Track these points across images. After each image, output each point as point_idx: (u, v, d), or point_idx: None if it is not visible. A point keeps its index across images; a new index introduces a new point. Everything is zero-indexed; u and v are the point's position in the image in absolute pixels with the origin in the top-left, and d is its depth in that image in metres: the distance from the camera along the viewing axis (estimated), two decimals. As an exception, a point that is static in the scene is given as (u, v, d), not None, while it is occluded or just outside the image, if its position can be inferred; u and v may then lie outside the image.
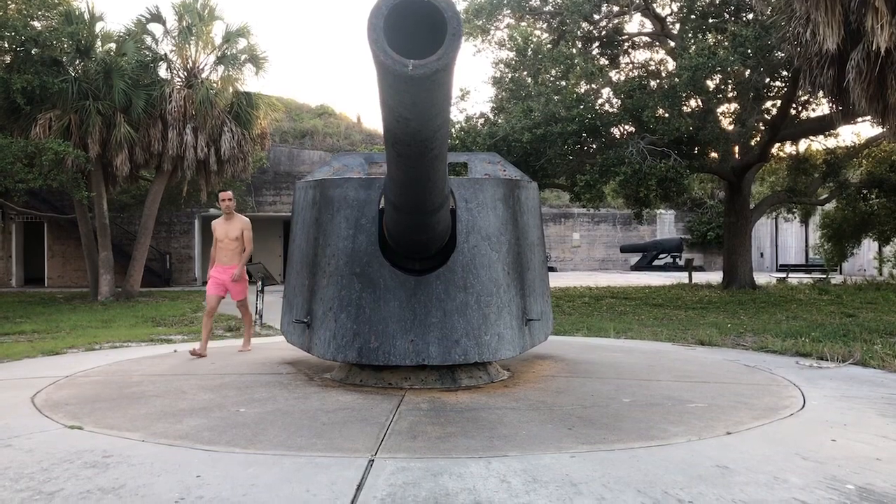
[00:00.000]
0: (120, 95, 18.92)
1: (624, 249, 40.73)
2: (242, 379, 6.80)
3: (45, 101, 18.78)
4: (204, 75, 21.40)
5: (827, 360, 8.26)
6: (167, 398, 5.94)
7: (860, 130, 42.47)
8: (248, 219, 8.70)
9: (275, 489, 3.76)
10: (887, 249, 25.63)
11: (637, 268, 38.86)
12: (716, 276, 24.24)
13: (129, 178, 21.66)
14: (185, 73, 21.39)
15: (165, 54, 21.23)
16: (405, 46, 2.79)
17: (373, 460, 4.23)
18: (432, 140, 3.45)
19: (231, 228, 8.47)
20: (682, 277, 26.43)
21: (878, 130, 19.71)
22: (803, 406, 5.78)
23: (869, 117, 13.21)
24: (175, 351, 9.26)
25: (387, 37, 2.77)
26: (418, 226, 5.31)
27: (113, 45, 20.37)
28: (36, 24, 18.98)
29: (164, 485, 3.80)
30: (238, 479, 3.90)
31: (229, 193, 8.68)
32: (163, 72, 21.21)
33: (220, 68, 21.41)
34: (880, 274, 26.49)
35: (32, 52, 18.57)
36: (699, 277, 25.64)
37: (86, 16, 19.71)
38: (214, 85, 21.13)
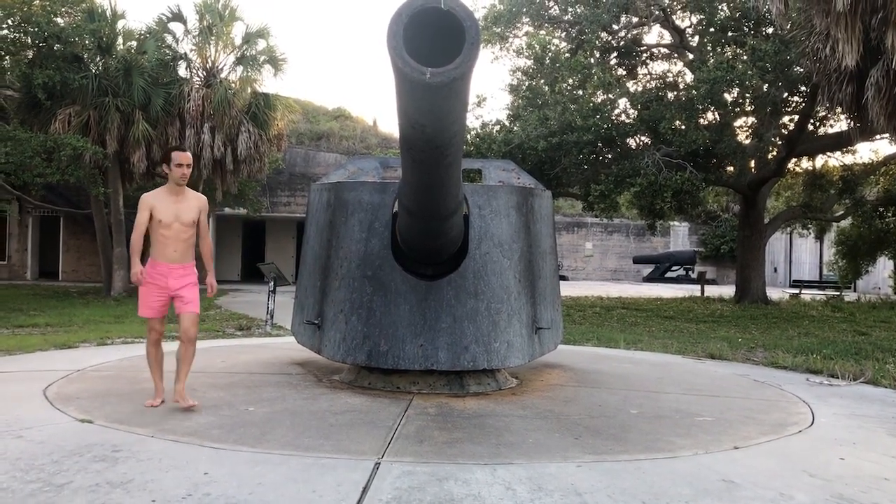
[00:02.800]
0: (139, 93, 19.05)
1: (637, 260, 40.63)
2: (252, 378, 6.84)
3: (66, 96, 18.93)
4: (223, 75, 21.52)
5: (838, 377, 8.21)
6: (177, 395, 5.97)
7: (878, 147, 42.15)
8: (205, 197, 5.88)
9: (281, 488, 3.78)
10: (902, 268, 25.48)
11: (649, 279, 38.74)
12: (728, 290, 24.13)
13: (146, 176, 21.75)
14: (205, 73, 21.52)
15: (185, 53, 21.37)
16: (424, 54, 2.82)
17: (379, 463, 4.25)
18: (447, 147, 3.47)
19: (184, 208, 5.52)
20: (694, 290, 26.32)
21: (896, 148, 19.61)
22: (812, 423, 5.75)
23: (887, 135, 13.13)
24: (186, 348, 9.31)
25: (406, 44, 2.80)
26: (431, 231, 5.34)
27: (134, 43, 20.51)
28: (59, 20, 19.15)
29: (172, 480, 3.84)
30: (245, 478, 3.93)
31: (188, 155, 5.67)
32: (182, 71, 21.35)
33: (239, 69, 21.53)
34: (895, 292, 26.28)
35: (55, 47, 18.73)
36: (711, 291, 25.54)
37: (108, 13, 19.88)
38: (233, 85, 21.23)
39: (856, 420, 5.95)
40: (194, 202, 5.64)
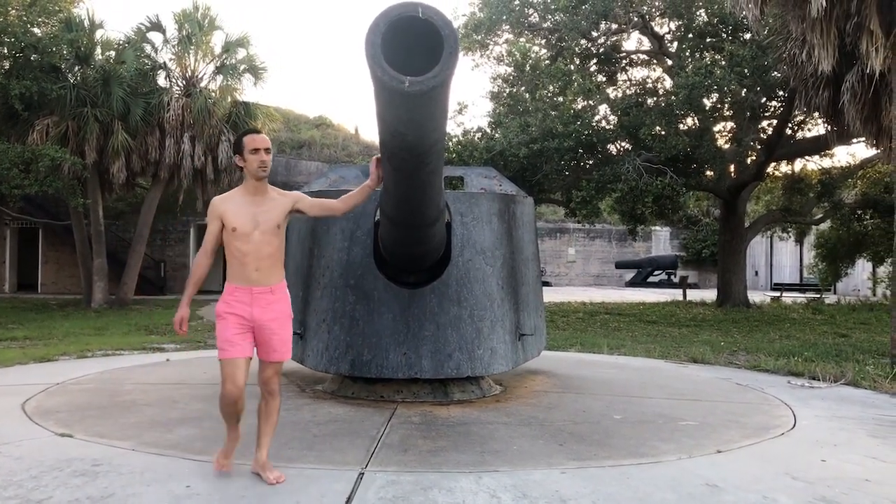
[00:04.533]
0: (118, 103, 18.94)
1: (619, 265, 40.83)
2: (234, 389, 6.78)
3: (43, 107, 18.78)
4: (203, 84, 21.44)
5: (819, 379, 8.27)
6: (159, 407, 5.93)
7: (855, 151, 42.63)
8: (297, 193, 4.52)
9: (264, 500, 3.75)
10: (881, 270, 25.73)
11: (632, 284, 38.94)
12: (710, 294, 24.28)
13: (126, 186, 21.63)
14: (184, 82, 21.43)
15: (164, 63, 21.28)
16: (402, 63, 2.82)
17: (363, 473, 4.23)
18: (428, 155, 3.48)
19: (266, 211, 4.09)
20: (676, 294, 26.46)
21: (872, 152, 19.82)
22: (794, 426, 5.79)
23: (863, 139, 13.28)
24: (168, 360, 9.25)
25: (384, 53, 2.80)
26: (413, 239, 5.33)
27: (112, 53, 20.41)
28: (36, 30, 19.02)
29: (154, 494, 3.80)
30: (228, 490, 3.90)
31: (265, 138, 4.15)
32: (161, 80, 21.26)
33: (219, 78, 21.46)
34: (874, 294, 26.55)
35: (32, 58, 18.58)
36: (693, 295, 25.68)
37: (86, 23, 19.76)
38: (213, 94, 21.16)
39: (837, 422, 6.00)
40: (280, 200, 4.16)
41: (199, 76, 21.56)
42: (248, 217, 4.03)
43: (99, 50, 20.30)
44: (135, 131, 19.56)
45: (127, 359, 9.53)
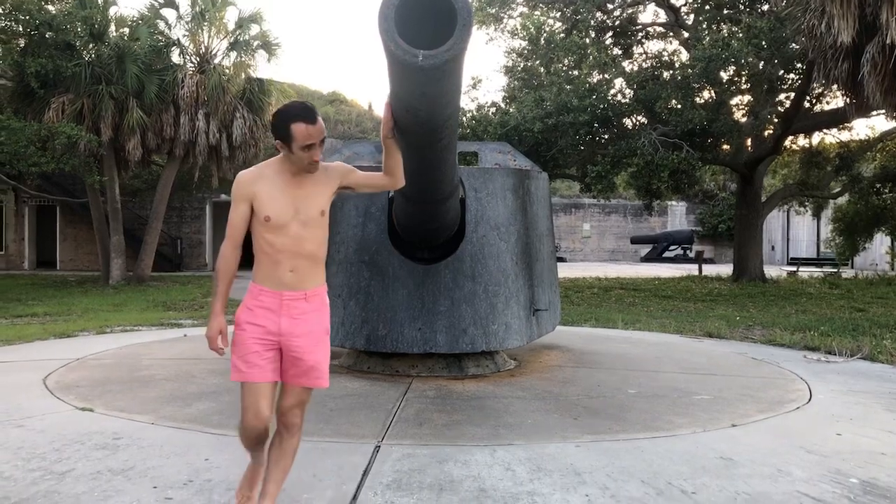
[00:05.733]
0: (132, 80, 18.96)
1: (634, 241, 40.67)
2: (251, 364, 6.85)
3: (59, 84, 18.85)
4: (216, 61, 21.42)
5: (835, 354, 8.24)
6: (177, 382, 6.00)
7: (874, 124, 42.17)
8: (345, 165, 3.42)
9: (282, 473, 3.79)
10: (900, 244, 25.52)
11: (647, 259, 38.80)
12: (726, 269, 24.17)
13: (141, 163, 21.74)
14: (198, 59, 21.41)
15: (178, 39, 21.27)
16: (416, 36, 2.81)
17: (379, 446, 4.27)
18: (441, 130, 3.47)
19: (309, 195, 3.12)
20: (692, 269, 26.36)
21: (892, 124, 19.58)
22: (809, 400, 5.78)
23: (883, 111, 13.10)
24: (185, 335, 9.33)
25: (397, 27, 2.78)
26: (427, 215, 5.33)
27: (126, 30, 20.41)
28: (50, 7, 19.04)
29: (173, 467, 3.86)
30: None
31: (320, 125, 3.04)
32: (175, 57, 21.25)
33: (233, 54, 21.43)
34: (892, 269, 26.36)
35: (46, 35, 18.62)
36: (709, 270, 25.58)
37: (99, 0, 19.75)
38: (227, 71, 21.14)
39: (853, 396, 5.98)
40: (326, 178, 3.19)
41: (213, 53, 21.54)
42: (286, 203, 3.07)
43: (113, 27, 20.30)
44: (149, 108, 19.61)
45: (145, 334, 9.64)
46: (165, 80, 19.83)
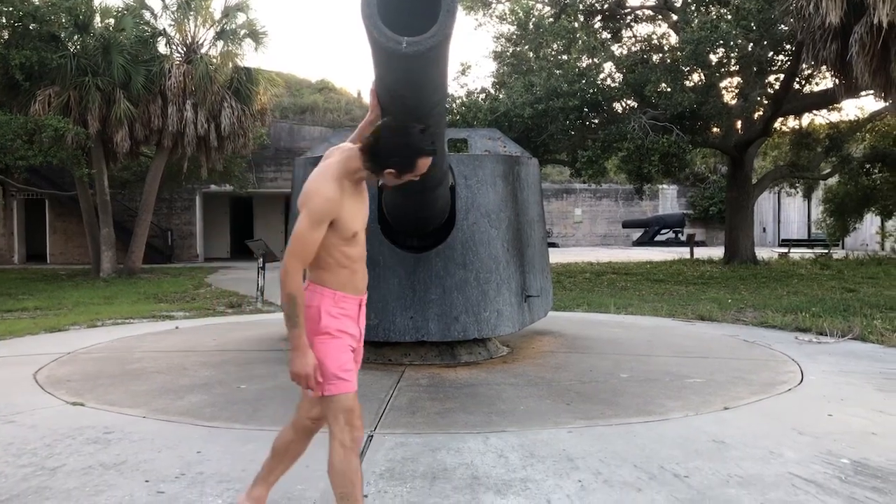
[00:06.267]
0: (119, 71, 18.79)
1: (626, 225, 40.73)
2: (243, 355, 6.84)
3: (44, 77, 18.66)
4: (203, 51, 21.22)
5: (826, 335, 8.28)
6: (169, 374, 5.99)
7: (863, 104, 42.23)
8: None
9: (274, 465, 3.78)
10: (889, 224, 25.60)
11: (639, 243, 38.87)
12: (717, 252, 24.22)
13: (130, 155, 21.57)
14: (185, 49, 21.22)
15: (164, 29, 21.06)
16: (400, 23, 2.78)
17: (372, 435, 4.27)
18: (428, 117, 3.44)
19: (366, 200, 3.11)
20: (683, 253, 26.41)
21: (881, 104, 19.59)
22: (801, 381, 5.81)
23: (872, 91, 13.12)
24: (177, 328, 9.31)
25: (381, 13, 2.76)
26: (417, 203, 5.31)
27: (111, 21, 20.19)
28: (34, -2, 18.84)
29: (165, 460, 3.85)
30: (238, 455, 3.94)
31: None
32: (162, 47, 21.04)
33: (220, 43, 21.23)
34: (882, 249, 26.47)
35: (30, 27, 18.41)
36: (701, 252, 25.63)
37: (83, -10, 19.53)
38: (214, 60, 20.97)
39: (844, 377, 6.01)
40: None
41: (200, 42, 21.35)
42: (363, 216, 3.02)
43: (98, 18, 20.07)
44: (137, 100, 19.44)
45: (136, 327, 9.61)
46: (152, 70, 19.65)
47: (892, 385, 5.69)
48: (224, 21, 21.21)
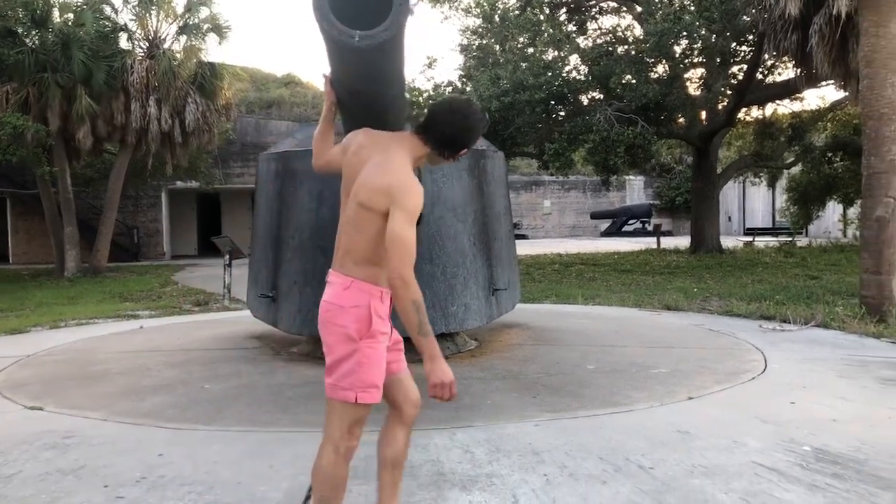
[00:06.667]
0: (79, 67, 18.42)
1: (594, 216, 40.94)
2: (208, 354, 6.76)
3: (1, 73, 18.28)
4: (166, 46, 20.91)
5: (790, 322, 8.39)
6: (132, 376, 5.89)
7: (825, 94, 42.83)
8: None
9: (237, 465, 3.75)
10: (851, 211, 26.00)
11: (607, 234, 39.10)
12: (684, 241, 24.45)
13: (93, 152, 21.25)
14: (147, 44, 20.90)
15: (125, 24, 20.72)
16: (353, 16, 2.74)
17: (337, 434, 4.22)
18: (387, 111, 3.41)
19: None
20: (650, 243, 26.63)
21: (842, 94, 19.87)
22: (765, 369, 5.87)
23: (832, 81, 13.29)
24: (141, 327, 9.18)
25: (332, 6, 2.72)
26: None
27: (71, 16, 19.80)
28: (-12, -7, 18.41)
29: (126, 464, 3.78)
30: (201, 457, 3.89)
31: None
32: (123, 42, 20.70)
33: (183, 38, 20.94)
34: (844, 236, 26.89)
35: (-14, 22, 18.03)
36: (667, 242, 25.86)
37: (41, -15, 19.13)
38: (177, 55, 20.68)
39: (807, 364, 6.09)
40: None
41: (162, 37, 21.04)
42: None
43: (56, 12, 19.69)
44: (98, 96, 19.10)
45: (101, 327, 9.45)
46: (114, 66, 19.32)
47: (852, 371, 5.78)
48: (187, 15, 20.92)
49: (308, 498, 3.36)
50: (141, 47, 20.92)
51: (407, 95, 19.16)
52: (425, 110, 16.98)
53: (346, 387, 2.71)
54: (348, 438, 2.79)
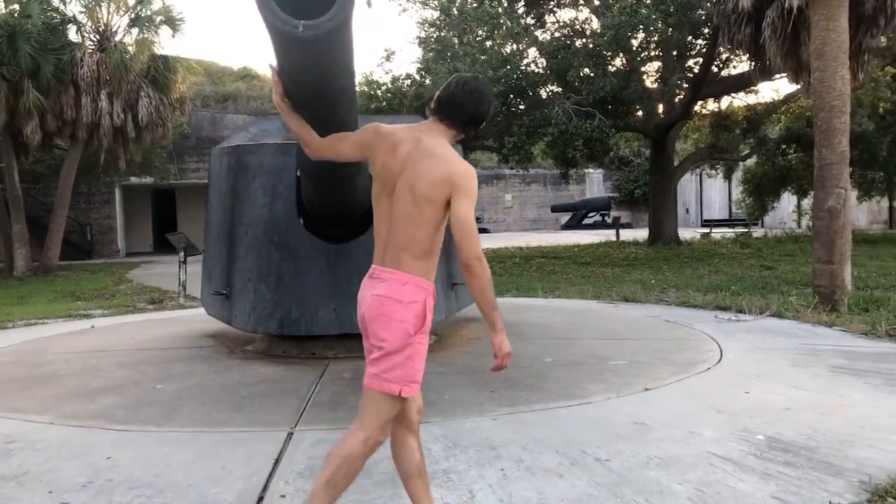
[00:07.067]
0: (26, 60, 17.92)
1: (555, 209, 41.16)
2: (162, 354, 6.62)
3: (-57, 67, 17.73)
4: (117, 38, 20.44)
5: (745, 312, 8.49)
6: (81, 377, 5.74)
7: (779, 87, 43.61)
8: None
9: (189, 467, 3.65)
10: (805, 202, 26.50)
11: (567, 227, 39.33)
12: (643, 233, 24.70)
13: (42, 148, 20.73)
14: (98, 36, 20.42)
15: (74, 16, 20.22)
16: (298, 5, 2.67)
17: (292, 433, 4.16)
18: (337, 104, 3.34)
19: None
20: (610, 235, 26.84)
21: (795, 87, 20.20)
22: (720, 359, 5.93)
23: (785, 74, 13.47)
24: (93, 327, 8.96)
25: (275, -5, 2.64)
26: (335, 193, 5.18)
27: (16, 6, 19.25)
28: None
29: (72, 469, 3.66)
30: (151, 459, 3.78)
31: None
32: (73, 35, 20.20)
33: (135, 31, 20.49)
34: (799, 226, 27.40)
35: (-73, 14, 17.44)
36: (627, 235, 26.10)
37: (-16, -24, 18.59)
38: (129, 48, 20.24)
39: (761, 353, 6.16)
40: None
41: (114, 29, 20.55)
42: None
43: (1, 3, 19.14)
44: (47, 90, 18.60)
45: (51, 327, 9.22)
46: (63, 59, 18.81)
47: (805, 360, 5.86)
48: (139, 7, 20.47)
49: (261, 499, 3.29)
50: (91, 40, 20.44)
51: (366, 89, 19.06)
52: (384, 104, 16.91)
53: (393, 380, 2.67)
54: (380, 433, 2.74)
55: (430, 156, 2.69)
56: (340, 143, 3.03)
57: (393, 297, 2.68)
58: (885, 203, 28.77)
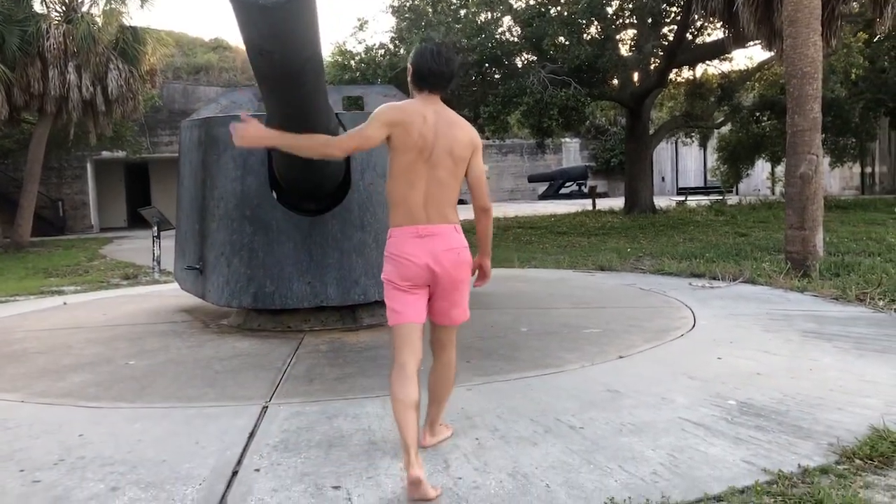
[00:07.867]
0: (-9, 32, 17.55)
1: (531, 179, 41.16)
2: (134, 330, 6.56)
3: None
4: (84, 9, 20.03)
5: (719, 279, 8.57)
6: (52, 354, 5.67)
7: (752, 54, 43.73)
8: None
9: (162, 443, 3.63)
10: (778, 169, 26.70)
11: (544, 197, 39.38)
12: (619, 202, 24.78)
13: (10, 122, 20.33)
14: (63, 7, 19.99)
15: (38, -14, 19.77)
16: None
17: (266, 407, 4.15)
18: (302, 74, 3.28)
19: None
20: (586, 204, 26.91)
21: (768, 54, 20.25)
22: (693, 326, 5.98)
23: (758, 41, 13.50)
24: (65, 303, 8.86)
25: (235, -37, 2.58)
26: (306, 164, 5.12)
27: (-22, -23, 18.78)
28: None
29: (43, 447, 3.62)
30: (123, 436, 3.76)
31: None
32: (38, 5, 19.76)
33: (102, 1, 20.10)
34: (773, 193, 27.63)
35: None
36: (603, 204, 26.17)
37: (-57, -56, 18.06)
38: (96, 19, 19.83)
39: (733, 319, 6.22)
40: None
41: (80, 0, 20.13)
42: None
43: (-38, -26, 18.64)
44: (13, 62, 18.23)
45: (22, 305, 9.10)
46: (28, 31, 18.43)
47: (777, 325, 5.93)
48: (105, -24, 20.03)
49: (235, 473, 3.28)
50: (57, 11, 20.00)
51: (339, 59, 18.82)
52: (357, 74, 16.67)
53: (468, 307, 3.52)
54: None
55: (454, 123, 3.18)
56: (365, 131, 3.20)
57: (461, 245, 3.34)
58: (856, 169, 29.05)
